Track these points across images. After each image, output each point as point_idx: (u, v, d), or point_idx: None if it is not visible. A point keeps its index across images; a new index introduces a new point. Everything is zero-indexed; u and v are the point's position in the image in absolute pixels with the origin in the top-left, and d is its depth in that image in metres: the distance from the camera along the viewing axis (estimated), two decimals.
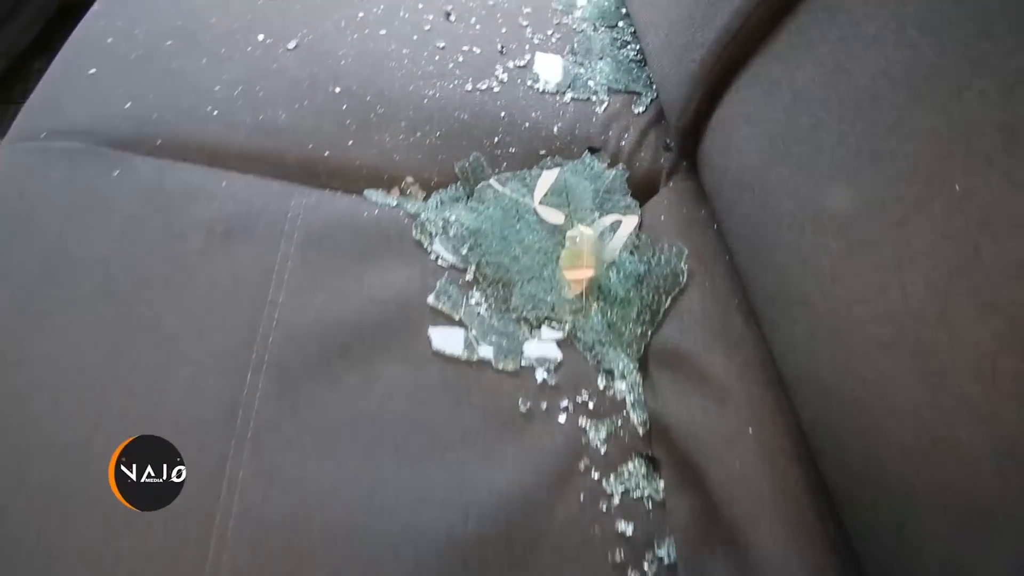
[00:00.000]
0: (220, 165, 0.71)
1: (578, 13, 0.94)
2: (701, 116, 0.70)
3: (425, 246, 0.70)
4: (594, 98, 0.82)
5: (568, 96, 0.82)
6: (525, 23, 0.91)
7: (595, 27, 0.92)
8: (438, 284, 0.67)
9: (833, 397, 0.50)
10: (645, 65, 0.87)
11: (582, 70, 0.85)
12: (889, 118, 0.48)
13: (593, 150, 0.78)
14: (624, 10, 0.95)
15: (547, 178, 0.73)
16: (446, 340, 0.63)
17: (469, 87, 0.80)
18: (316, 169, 0.73)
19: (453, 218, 0.72)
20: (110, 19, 0.82)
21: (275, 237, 0.66)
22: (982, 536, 0.40)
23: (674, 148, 0.76)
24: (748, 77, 0.63)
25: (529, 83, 0.82)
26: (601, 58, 0.87)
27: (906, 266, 0.45)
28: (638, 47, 0.88)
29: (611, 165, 0.78)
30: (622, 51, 0.88)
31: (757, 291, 0.59)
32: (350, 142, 0.75)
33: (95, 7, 0.85)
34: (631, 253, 0.70)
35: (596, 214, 0.73)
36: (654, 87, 0.84)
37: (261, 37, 0.81)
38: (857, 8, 0.53)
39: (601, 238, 0.70)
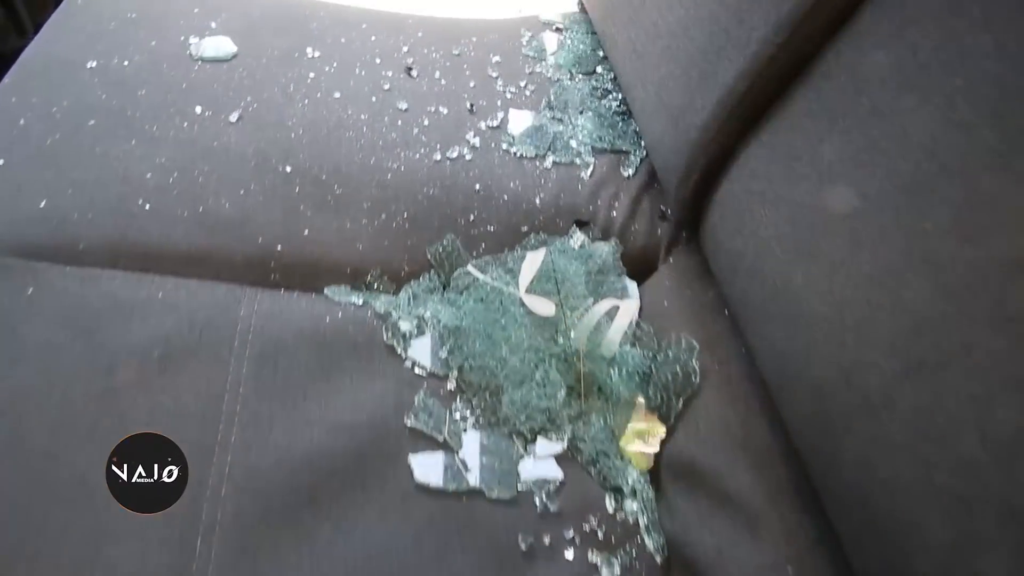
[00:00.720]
0: (155, 271, 0.61)
1: (551, 59, 0.85)
2: (705, 187, 0.61)
3: (398, 351, 0.61)
4: (578, 160, 0.73)
5: (549, 160, 0.73)
6: (495, 74, 0.82)
7: (571, 75, 0.83)
8: (416, 400, 0.58)
9: (897, 549, 0.42)
10: (630, 117, 0.78)
11: (561, 127, 0.76)
12: (944, 214, 0.40)
13: (581, 223, 0.70)
14: (602, 53, 0.86)
15: (532, 261, 0.64)
16: (429, 469, 0.55)
17: (438, 156, 0.71)
18: (268, 267, 0.64)
19: (428, 315, 0.63)
20: (23, 95, 0.71)
21: (223, 357, 0.56)
22: None
23: (672, 219, 0.68)
24: (760, 148, 0.55)
25: (504, 146, 0.73)
26: (581, 112, 0.78)
27: (983, 401, 0.37)
28: (621, 96, 0.80)
29: (602, 239, 0.69)
30: (603, 102, 0.80)
31: (787, 406, 0.50)
32: (306, 231, 0.65)
33: (6, 80, 0.74)
34: (632, 345, 0.62)
35: (590, 300, 0.64)
36: (643, 144, 0.75)
37: (199, 110, 0.71)
38: (889, 76, 0.46)
39: (597, 329, 0.61)
